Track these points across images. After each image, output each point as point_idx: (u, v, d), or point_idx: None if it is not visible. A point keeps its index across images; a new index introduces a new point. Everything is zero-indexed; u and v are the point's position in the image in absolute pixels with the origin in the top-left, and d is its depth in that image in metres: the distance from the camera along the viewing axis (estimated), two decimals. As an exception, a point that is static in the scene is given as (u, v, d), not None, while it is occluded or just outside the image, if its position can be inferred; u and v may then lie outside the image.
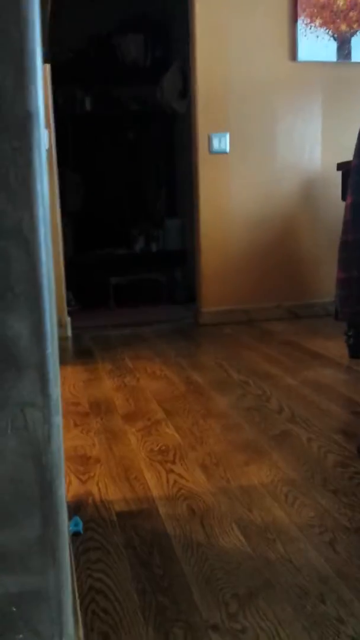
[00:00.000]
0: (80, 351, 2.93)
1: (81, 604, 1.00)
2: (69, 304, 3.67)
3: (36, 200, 0.60)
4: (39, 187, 0.60)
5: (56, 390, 0.63)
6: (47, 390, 0.61)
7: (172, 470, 1.51)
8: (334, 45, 3.44)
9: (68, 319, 3.36)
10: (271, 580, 1.05)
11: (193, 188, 3.48)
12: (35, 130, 0.59)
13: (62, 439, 0.66)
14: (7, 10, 0.57)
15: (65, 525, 0.65)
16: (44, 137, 0.62)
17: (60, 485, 0.63)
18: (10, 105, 0.57)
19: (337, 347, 2.71)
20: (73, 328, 3.39)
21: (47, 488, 0.62)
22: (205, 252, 3.44)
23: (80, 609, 0.98)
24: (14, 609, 0.63)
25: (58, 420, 0.63)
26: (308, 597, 1.00)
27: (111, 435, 1.78)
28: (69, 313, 3.44)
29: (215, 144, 3.38)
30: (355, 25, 3.44)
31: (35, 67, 0.59)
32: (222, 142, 3.38)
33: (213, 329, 3.32)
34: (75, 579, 1.00)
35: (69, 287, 3.55)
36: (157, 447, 1.67)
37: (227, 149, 3.39)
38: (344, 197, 2.52)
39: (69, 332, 3.34)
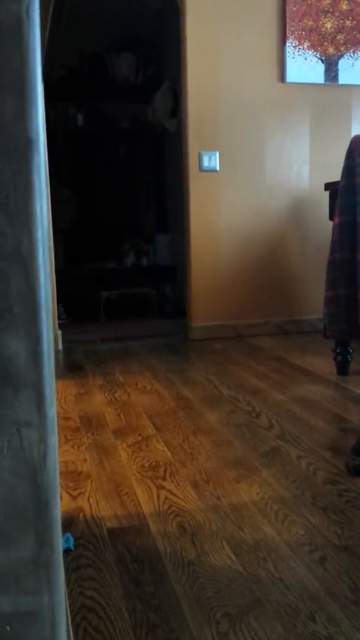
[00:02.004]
0: (71, 365, 2.93)
1: (72, 621, 0.99)
2: (59, 318, 3.67)
3: (35, 222, 0.61)
4: (38, 209, 0.61)
5: (52, 409, 0.64)
6: (43, 410, 0.62)
7: (162, 487, 1.52)
8: (321, 67, 3.51)
9: (59, 333, 3.36)
10: (262, 599, 1.05)
11: (183, 205, 3.51)
12: (35, 155, 0.61)
13: (58, 458, 0.67)
14: (8, 37, 0.58)
15: (60, 545, 0.66)
16: (43, 161, 0.63)
17: (55, 505, 0.64)
18: (11, 131, 0.58)
19: (325, 364, 2.73)
20: (64, 341, 3.39)
21: (42, 508, 0.62)
22: (195, 268, 3.47)
23: (72, 627, 0.97)
24: (8, 629, 0.63)
25: (54, 439, 0.64)
26: (298, 615, 1.01)
27: (102, 450, 1.78)
28: (60, 326, 3.44)
29: (206, 162, 3.42)
30: (342, 48, 3.51)
31: (36, 94, 0.60)
32: (212, 160, 3.42)
33: (202, 344, 3.33)
34: (67, 597, 1.00)
35: (59, 300, 3.56)
36: (148, 463, 1.67)
37: (217, 167, 3.43)
38: (331, 217, 2.56)
39: (60, 346, 3.33)
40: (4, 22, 0.57)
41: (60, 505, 0.66)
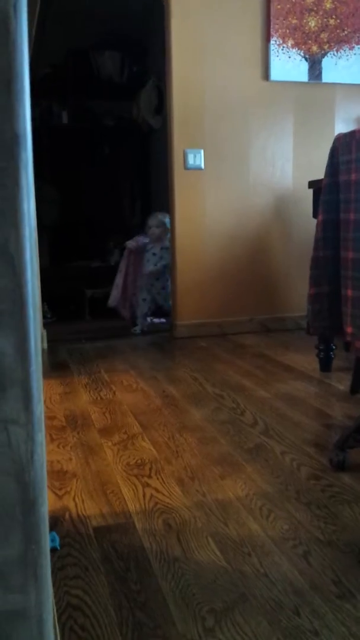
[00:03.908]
0: (55, 364, 2.92)
1: (59, 620, 0.99)
2: (44, 316, 3.66)
3: (22, 219, 0.61)
4: (25, 207, 0.61)
5: (39, 407, 0.64)
6: (30, 408, 0.62)
7: (148, 485, 1.52)
8: (305, 65, 3.53)
9: (43, 331, 3.34)
10: (247, 594, 1.06)
11: (168, 203, 3.51)
12: (22, 152, 0.60)
13: (45, 456, 0.67)
14: (-5, 34, 0.58)
15: (47, 543, 0.66)
16: (30, 158, 0.63)
17: (42, 503, 0.64)
18: (-2, 128, 0.58)
19: (308, 361, 2.75)
20: (48, 340, 3.37)
21: (29, 506, 0.62)
22: (180, 266, 3.47)
23: (58, 626, 0.97)
24: (-5, 627, 0.63)
25: (41, 437, 0.64)
26: (283, 610, 1.02)
27: (87, 449, 1.78)
28: (44, 325, 3.42)
29: (190, 160, 3.42)
30: (326, 47, 3.53)
31: (23, 90, 0.60)
32: (197, 158, 3.43)
33: (187, 342, 3.34)
34: (53, 596, 0.99)
35: (43, 299, 3.54)
36: (134, 461, 1.67)
37: (202, 165, 3.44)
38: (315, 215, 2.57)
39: (45, 345, 3.32)
40: (-9, 18, 0.56)
41: (47, 503, 0.66)
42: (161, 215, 3.82)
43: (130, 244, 3.83)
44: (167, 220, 3.67)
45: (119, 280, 3.87)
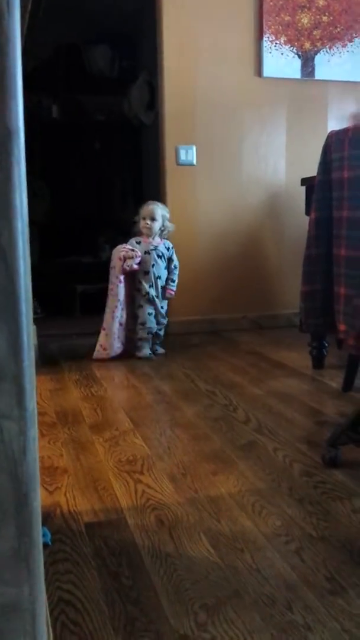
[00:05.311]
0: (46, 360, 2.91)
1: (50, 615, 0.99)
2: (34, 312, 3.63)
3: (15, 214, 0.60)
4: (18, 202, 0.61)
5: (32, 402, 0.64)
6: (23, 403, 0.62)
7: (140, 481, 1.52)
8: (298, 62, 3.53)
9: (33, 327, 3.32)
10: (239, 590, 1.06)
11: (160, 199, 3.50)
12: (15, 147, 0.60)
13: (38, 451, 0.67)
14: (-13, 27, 0.57)
15: (40, 537, 0.65)
16: (23, 153, 0.63)
17: (35, 498, 0.63)
18: (-9, 121, 0.58)
19: (300, 358, 2.76)
20: (39, 336, 3.35)
21: (22, 500, 0.62)
22: (172, 263, 3.46)
23: (50, 621, 0.97)
24: (-12, 622, 0.62)
25: (34, 432, 0.64)
26: (276, 605, 1.02)
27: (79, 445, 1.77)
28: (34, 321, 3.41)
29: (182, 156, 3.42)
30: (318, 44, 3.54)
31: (16, 85, 0.60)
32: (189, 154, 3.42)
33: (180, 339, 3.34)
34: (45, 591, 0.99)
35: (33, 295, 3.52)
36: (125, 458, 1.67)
37: (194, 161, 3.43)
38: (307, 212, 2.58)
39: (35, 341, 3.30)
40: (-16, 11, 0.56)
41: (40, 497, 0.66)
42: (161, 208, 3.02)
43: (130, 264, 2.87)
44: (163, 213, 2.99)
45: (117, 316, 2.87)
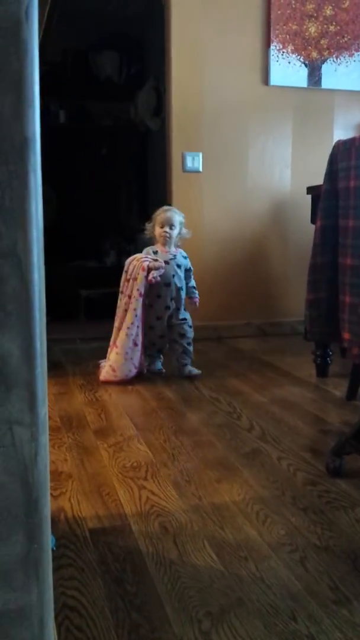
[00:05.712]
0: (50, 364, 2.89)
1: (55, 620, 0.99)
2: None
3: (31, 222, 0.61)
4: (33, 209, 0.62)
5: (44, 408, 0.64)
6: (35, 409, 0.62)
7: (144, 487, 1.52)
8: (305, 71, 3.55)
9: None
10: (243, 598, 1.06)
11: (166, 205, 3.51)
12: (32, 155, 0.61)
13: (49, 457, 0.67)
14: (7, 37, 0.58)
15: (49, 543, 0.66)
16: (39, 161, 0.63)
17: (45, 504, 0.64)
18: (9, 131, 0.58)
19: (304, 366, 2.76)
20: (42, 341, 3.36)
21: (32, 506, 0.62)
22: (176, 269, 3.47)
23: (55, 626, 0.97)
24: (-4, 627, 0.63)
25: (45, 438, 0.64)
26: (279, 614, 1.02)
27: (83, 450, 1.78)
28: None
29: (189, 163, 3.43)
30: (325, 53, 3.55)
31: (33, 94, 0.60)
32: (196, 161, 3.44)
33: (183, 345, 3.33)
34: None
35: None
36: (130, 464, 1.67)
37: (200, 168, 3.45)
38: (313, 221, 2.58)
39: (39, 345, 3.31)
40: (3, 22, 0.57)
41: (50, 504, 0.66)
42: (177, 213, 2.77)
43: (154, 275, 2.56)
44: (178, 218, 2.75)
45: (132, 334, 2.56)
